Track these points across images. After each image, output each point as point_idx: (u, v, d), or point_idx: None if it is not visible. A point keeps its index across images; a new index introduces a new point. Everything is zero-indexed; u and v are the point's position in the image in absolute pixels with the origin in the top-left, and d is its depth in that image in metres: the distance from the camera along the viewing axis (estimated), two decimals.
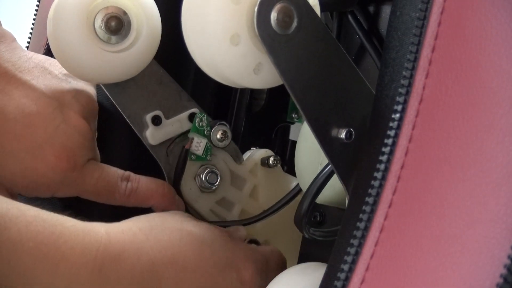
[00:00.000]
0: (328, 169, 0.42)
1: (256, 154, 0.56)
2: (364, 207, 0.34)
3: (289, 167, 0.59)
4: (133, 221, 0.44)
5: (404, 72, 0.35)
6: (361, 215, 0.34)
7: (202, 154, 0.52)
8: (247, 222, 0.53)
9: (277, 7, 0.38)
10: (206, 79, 0.43)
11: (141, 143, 0.51)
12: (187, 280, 0.42)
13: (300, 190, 0.51)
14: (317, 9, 0.40)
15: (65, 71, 0.49)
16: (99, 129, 0.53)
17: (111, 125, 0.54)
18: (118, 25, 0.47)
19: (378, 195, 0.34)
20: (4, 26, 0.49)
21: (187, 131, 0.52)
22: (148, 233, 0.42)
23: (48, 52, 0.53)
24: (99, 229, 0.40)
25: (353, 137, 0.39)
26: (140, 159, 0.54)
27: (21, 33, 0.57)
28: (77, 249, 0.38)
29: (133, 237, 0.41)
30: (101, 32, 0.47)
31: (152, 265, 0.41)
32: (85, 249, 0.38)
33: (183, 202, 0.52)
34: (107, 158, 0.52)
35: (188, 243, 0.44)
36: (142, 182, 0.50)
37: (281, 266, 0.50)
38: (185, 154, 0.51)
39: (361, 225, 0.34)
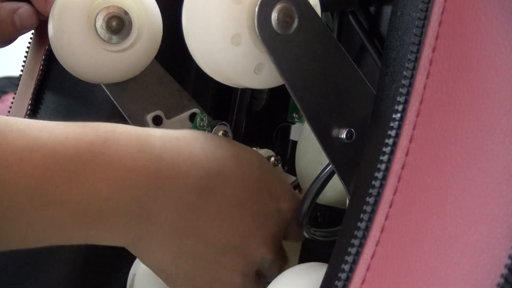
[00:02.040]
0: (329, 169, 0.42)
1: None
2: (365, 207, 0.34)
3: (290, 167, 0.59)
4: (189, 131, 0.45)
5: (404, 72, 0.35)
6: (362, 215, 0.34)
7: None
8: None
9: (278, 7, 0.38)
10: (207, 79, 0.43)
11: None
12: (235, 194, 0.43)
13: (298, 185, 0.51)
14: (318, 9, 0.40)
15: None
16: None
17: None
18: (119, 24, 0.47)
19: (379, 195, 0.34)
20: None
21: None
22: (204, 144, 0.43)
23: (50, 53, 0.53)
24: (155, 133, 0.41)
25: (353, 137, 0.39)
26: None
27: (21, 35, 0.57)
28: (133, 154, 0.39)
29: (187, 145, 0.42)
30: (102, 31, 0.47)
31: (206, 174, 0.42)
32: (141, 153, 0.39)
33: None
34: None
35: (240, 164, 0.44)
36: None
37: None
38: None
39: (362, 225, 0.34)
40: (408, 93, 0.34)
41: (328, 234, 0.47)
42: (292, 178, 0.57)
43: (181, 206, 0.41)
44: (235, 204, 0.43)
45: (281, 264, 0.48)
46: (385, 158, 0.34)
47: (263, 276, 0.47)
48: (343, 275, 0.33)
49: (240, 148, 0.46)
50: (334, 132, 0.39)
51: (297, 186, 0.53)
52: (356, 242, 0.34)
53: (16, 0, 0.53)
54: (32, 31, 0.63)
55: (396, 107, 0.34)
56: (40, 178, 0.36)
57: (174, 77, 0.53)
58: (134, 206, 0.39)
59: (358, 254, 0.33)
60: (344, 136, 0.39)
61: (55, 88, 0.57)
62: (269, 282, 0.43)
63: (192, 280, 0.44)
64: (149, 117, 0.51)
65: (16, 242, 0.38)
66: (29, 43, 0.62)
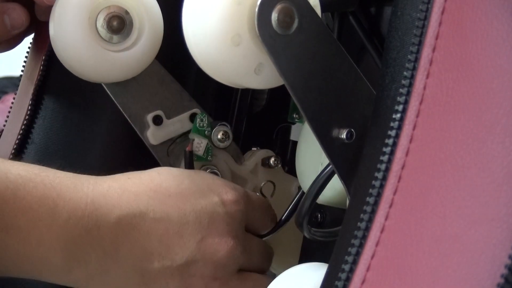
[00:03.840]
0: (329, 170, 0.42)
1: (257, 154, 0.56)
2: (365, 207, 0.34)
3: (290, 168, 0.59)
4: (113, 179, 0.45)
5: (405, 72, 0.35)
6: (362, 215, 0.34)
7: (203, 155, 0.52)
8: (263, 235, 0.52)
9: (278, 7, 0.38)
10: (207, 79, 0.43)
11: (142, 143, 0.51)
12: (171, 205, 0.44)
13: (302, 193, 0.51)
14: (318, 10, 0.40)
15: None
16: (98, 129, 0.53)
17: (111, 125, 0.54)
18: (120, 24, 0.47)
19: (379, 195, 0.34)
20: None
21: (188, 131, 0.52)
22: (124, 182, 0.44)
23: (51, 53, 0.53)
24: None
25: (354, 137, 0.39)
26: (140, 158, 0.54)
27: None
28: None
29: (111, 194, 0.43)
30: (103, 31, 0.47)
31: (134, 200, 0.43)
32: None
33: None
34: (107, 157, 0.52)
35: (167, 175, 0.46)
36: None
37: (264, 207, 0.50)
38: (190, 157, 0.51)
39: (362, 225, 0.34)
40: (408, 93, 0.34)
41: (328, 234, 0.47)
42: (293, 179, 0.57)
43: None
44: (178, 216, 0.44)
45: (262, 249, 0.48)
46: (385, 158, 0.34)
47: (255, 272, 0.46)
48: (343, 275, 0.33)
49: (166, 169, 0.47)
50: (334, 132, 0.39)
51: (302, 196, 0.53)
52: (356, 242, 0.34)
53: (6, 1, 0.53)
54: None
55: (396, 107, 0.34)
56: None
57: (175, 77, 0.53)
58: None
59: (358, 254, 0.33)
60: (344, 136, 0.39)
61: (55, 88, 0.57)
62: (274, 275, 0.43)
63: None
64: (150, 117, 0.51)
65: None
66: (30, 43, 0.62)
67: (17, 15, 0.52)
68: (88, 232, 0.41)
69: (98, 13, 0.47)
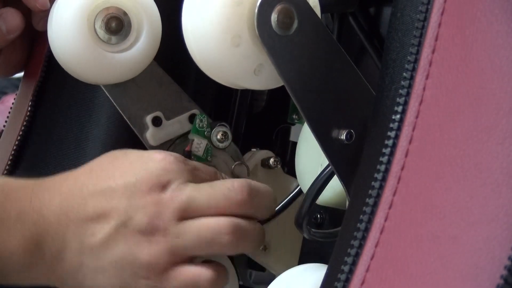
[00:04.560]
0: (329, 170, 0.42)
1: (256, 155, 0.56)
2: (364, 208, 0.34)
3: (290, 168, 0.59)
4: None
5: (404, 73, 0.35)
6: (361, 216, 0.34)
7: (202, 155, 0.52)
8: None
9: (278, 8, 0.38)
10: (207, 80, 0.43)
11: (141, 144, 0.51)
12: (102, 177, 0.45)
13: (301, 192, 0.51)
14: (318, 10, 0.40)
15: None
16: (97, 130, 0.53)
17: (111, 126, 0.54)
18: (118, 25, 0.47)
19: (378, 196, 0.34)
20: None
21: (188, 132, 0.52)
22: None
23: (50, 54, 0.53)
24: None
25: (353, 138, 0.39)
26: None
27: None
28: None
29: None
30: (101, 32, 0.47)
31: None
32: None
33: None
34: None
35: (108, 155, 0.46)
36: None
37: (212, 176, 0.48)
38: (188, 157, 0.51)
39: (362, 226, 0.34)
40: (408, 94, 0.34)
41: (328, 235, 0.47)
42: (293, 179, 0.57)
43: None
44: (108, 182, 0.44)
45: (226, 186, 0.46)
46: (384, 159, 0.34)
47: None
48: (342, 276, 0.33)
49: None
50: (334, 133, 0.39)
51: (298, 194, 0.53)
52: (355, 243, 0.34)
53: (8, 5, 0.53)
54: None
55: (395, 108, 0.34)
56: None
57: (174, 78, 0.53)
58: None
59: (357, 255, 0.33)
60: (344, 137, 0.39)
61: (55, 89, 0.57)
62: (274, 276, 0.42)
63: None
64: (149, 118, 0.51)
65: None
66: None
67: (12, 18, 0.52)
68: (35, 224, 0.43)
69: (96, 14, 0.47)
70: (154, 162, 0.45)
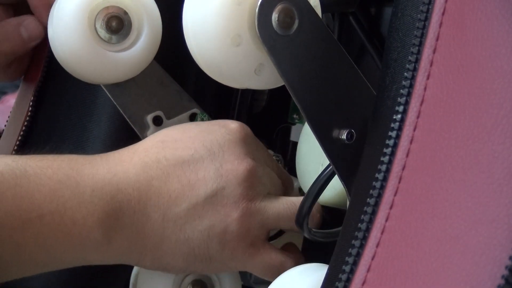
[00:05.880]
0: (329, 170, 0.42)
1: None
2: (365, 208, 0.34)
3: (290, 168, 0.59)
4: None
5: (405, 73, 0.35)
6: (362, 216, 0.34)
7: None
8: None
9: (278, 7, 0.38)
10: (207, 80, 0.43)
11: None
12: (181, 147, 0.45)
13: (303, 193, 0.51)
14: (318, 10, 0.40)
15: None
16: (98, 130, 0.53)
17: (112, 126, 0.54)
18: (118, 24, 0.47)
19: (379, 196, 0.34)
20: None
21: None
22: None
23: (51, 54, 0.53)
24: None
25: (354, 138, 0.39)
26: None
27: None
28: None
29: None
30: (102, 31, 0.47)
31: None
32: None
33: None
34: None
35: (171, 128, 0.47)
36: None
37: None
38: None
39: (363, 226, 0.34)
40: (409, 94, 0.34)
41: (329, 235, 0.47)
42: (293, 179, 0.57)
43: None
44: (190, 155, 0.44)
45: (283, 176, 0.48)
46: (385, 159, 0.34)
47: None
48: (343, 276, 0.33)
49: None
50: (335, 133, 0.39)
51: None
52: (356, 243, 0.34)
53: (19, 14, 0.53)
54: None
55: (396, 108, 0.34)
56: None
57: (174, 78, 0.53)
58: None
59: (358, 255, 0.33)
60: (345, 137, 0.39)
61: (56, 89, 0.57)
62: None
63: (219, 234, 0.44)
64: (149, 118, 0.51)
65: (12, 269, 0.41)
66: None
67: (35, 26, 0.53)
68: (113, 198, 0.42)
69: (97, 14, 0.47)
70: (233, 130, 0.46)
